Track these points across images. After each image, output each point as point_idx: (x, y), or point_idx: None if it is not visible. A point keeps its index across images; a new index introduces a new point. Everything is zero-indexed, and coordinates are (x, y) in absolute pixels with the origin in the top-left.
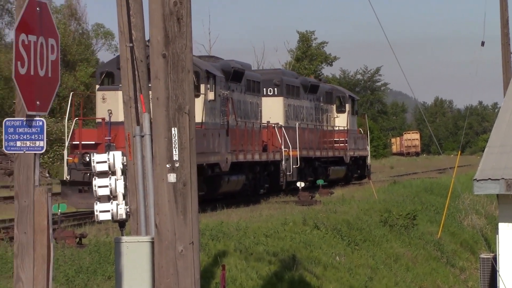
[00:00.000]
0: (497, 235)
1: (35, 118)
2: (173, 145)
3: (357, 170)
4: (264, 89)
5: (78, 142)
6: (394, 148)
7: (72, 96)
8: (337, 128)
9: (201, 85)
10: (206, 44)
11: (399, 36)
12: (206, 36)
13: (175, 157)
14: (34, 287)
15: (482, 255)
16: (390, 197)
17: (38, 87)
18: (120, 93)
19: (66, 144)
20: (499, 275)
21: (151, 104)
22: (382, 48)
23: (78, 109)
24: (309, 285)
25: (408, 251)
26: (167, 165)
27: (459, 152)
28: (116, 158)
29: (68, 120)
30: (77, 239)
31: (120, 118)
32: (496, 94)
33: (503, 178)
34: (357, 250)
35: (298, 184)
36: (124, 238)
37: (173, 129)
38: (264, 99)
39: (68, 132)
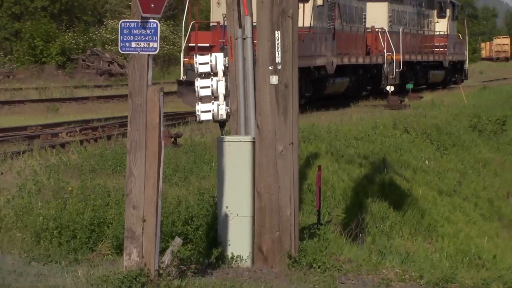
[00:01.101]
0: None
1: (149, 20)
2: (276, 48)
3: (455, 74)
4: None
5: (194, 44)
6: (484, 53)
7: (188, 1)
8: (437, 33)
9: None
10: None
11: None
12: None
13: (278, 60)
14: (146, 181)
15: None
16: (479, 102)
17: None
18: None
19: (183, 46)
20: None
21: (253, 7)
22: None
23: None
24: (399, 188)
25: (496, 156)
26: (270, 67)
27: None
28: (218, 59)
29: (184, 24)
30: (172, 139)
31: None
32: None
33: None
34: (446, 155)
35: (388, 88)
36: (227, 138)
37: (276, 32)
38: (369, 4)
39: (185, 35)
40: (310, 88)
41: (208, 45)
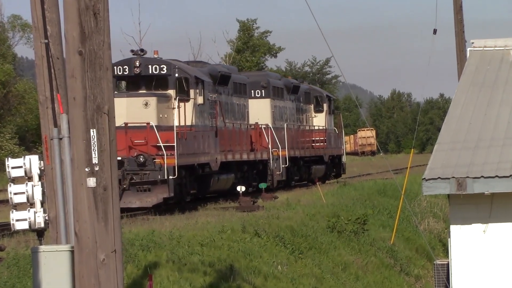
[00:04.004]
0: (449, 239)
1: None
2: (92, 148)
3: (333, 168)
4: (252, 91)
5: None
6: (348, 147)
7: None
8: (316, 128)
9: (191, 90)
10: (136, 36)
11: (351, 23)
12: (136, 27)
13: (95, 160)
14: None
15: (437, 261)
16: (339, 200)
17: None
18: None
19: None
20: (451, 280)
21: (68, 105)
22: (332, 37)
23: None
24: None
25: (358, 258)
26: (86, 169)
27: (412, 150)
28: (33, 162)
29: None
30: None
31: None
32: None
33: (453, 177)
34: (301, 259)
35: (238, 188)
36: (42, 248)
37: (91, 130)
38: (251, 101)
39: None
40: (195, 185)
41: None
